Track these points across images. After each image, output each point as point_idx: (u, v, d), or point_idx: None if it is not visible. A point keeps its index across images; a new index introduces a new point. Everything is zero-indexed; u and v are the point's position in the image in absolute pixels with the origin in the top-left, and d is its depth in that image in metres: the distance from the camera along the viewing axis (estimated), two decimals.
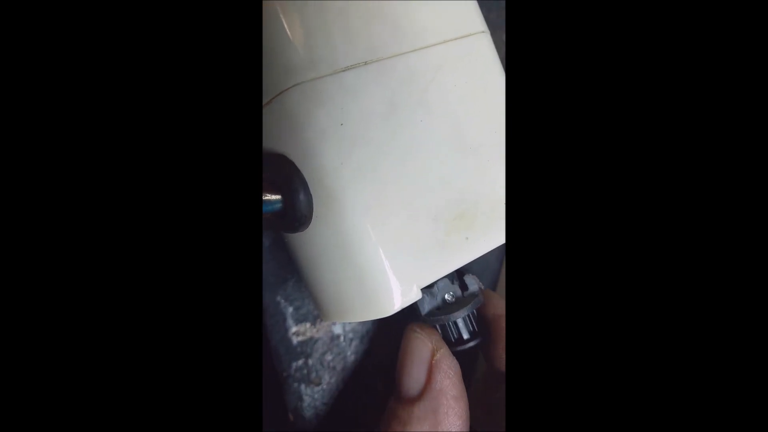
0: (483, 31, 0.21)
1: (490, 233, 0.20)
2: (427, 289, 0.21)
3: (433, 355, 0.20)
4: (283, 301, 0.28)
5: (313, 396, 0.28)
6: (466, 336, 0.22)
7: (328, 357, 0.29)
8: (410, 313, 0.22)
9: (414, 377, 0.20)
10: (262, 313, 0.27)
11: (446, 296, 0.22)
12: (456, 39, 0.20)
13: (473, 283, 0.22)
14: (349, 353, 0.29)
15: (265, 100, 0.19)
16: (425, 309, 0.22)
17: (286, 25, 0.18)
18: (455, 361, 0.21)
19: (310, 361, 0.28)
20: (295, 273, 0.28)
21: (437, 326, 0.22)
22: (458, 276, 0.22)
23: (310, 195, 0.19)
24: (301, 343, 0.28)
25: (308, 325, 0.28)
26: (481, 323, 0.23)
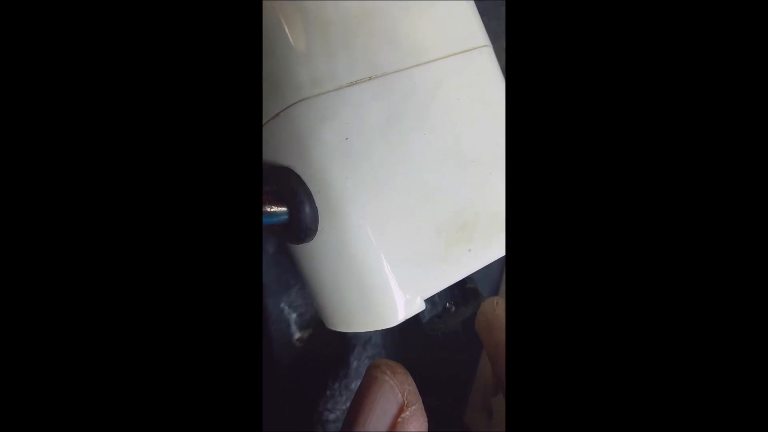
0: (485, 45, 0.21)
1: (493, 245, 0.20)
2: (429, 299, 0.22)
3: (401, 411, 0.16)
4: (286, 307, 0.28)
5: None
6: None
7: (332, 363, 0.29)
8: (412, 323, 0.22)
9: (371, 430, 0.16)
10: (265, 320, 0.28)
11: (447, 305, 0.22)
12: (458, 53, 0.20)
13: (474, 293, 0.23)
14: (352, 359, 0.29)
15: (271, 115, 0.19)
16: (426, 317, 0.22)
17: (292, 41, 0.18)
18: (426, 421, 0.17)
19: (314, 368, 0.29)
20: (298, 280, 0.28)
21: (439, 334, 0.23)
22: (460, 285, 0.23)
23: (316, 207, 0.19)
24: (305, 350, 0.28)
25: (311, 331, 0.28)
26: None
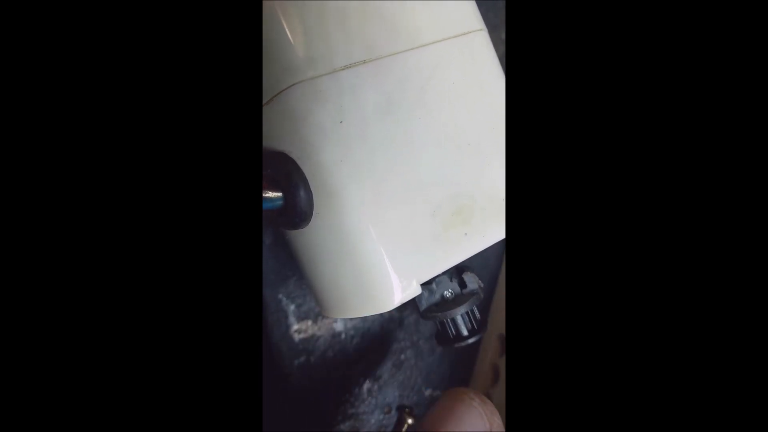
0: (480, 29, 0.21)
1: (489, 229, 0.20)
2: (426, 286, 0.22)
3: None
4: (284, 298, 0.28)
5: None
6: (464, 333, 0.22)
7: (330, 354, 0.29)
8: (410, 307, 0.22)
9: None
10: (263, 310, 0.27)
11: (445, 293, 0.22)
12: (453, 37, 0.20)
13: (472, 281, 0.22)
14: (350, 350, 0.29)
15: (265, 99, 0.19)
16: (424, 305, 0.22)
17: (285, 25, 0.18)
18: None
19: (312, 359, 0.29)
20: (296, 271, 0.28)
21: (437, 322, 0.22)
22: (457, 273, 0.22)
23: (311, 192, 0.19)
24: (303, 341, 0.28)
25: (309, 322, 0.28)
26: (479, 320, 0.23)
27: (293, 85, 0.18)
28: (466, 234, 0.20)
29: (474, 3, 0.22)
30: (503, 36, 0.33)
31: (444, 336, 0.23)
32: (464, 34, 0.20)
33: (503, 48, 0.32)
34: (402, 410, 0.27)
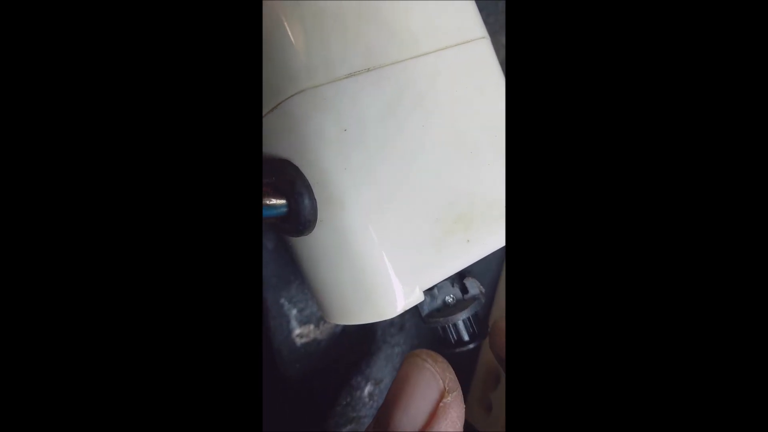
0: (482, 37, 0.21)
1: (491, 236, 0.20)
2: (428, 292, 0.22)
3: (442, 397, 0.17)
4: (286, 303, 0.28)
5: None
6: (465, 338, 0.22)
7: (331, 358, 0.29)
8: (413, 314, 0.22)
9: (411, 415, 0.16)
10: (264, 315, 0.28)
11: (447, 298, 0.23)
12: (454, 46, 0.20)
13: (474, 286, 0.23)
14: (351, 354, 0.29)
15: (269, 108, 0.19)
16: (425, 311, 0.22)
17: (290, 35, 0.18)
18: (464, 409, 0.17)
19: (314, 363, 0.29)
20: (298, 275, 0.28)
21: (438, 328, 0.23)
22: (459, 279, 0.23)
23: (315, 199, 0.19)
24: (305, 345, 0.28)
25: (312, 326, 0.29)
26: (480, 325, 0.23)
27: (296, 94, 0.18)
28: (468, 241, 0.20)
29: (477, 12, 0.22)
30: (503, 41, 0.33)
31: (445, 341, 0.23)
32: (466, 42, 0.21)
33: (503, 52, 0.33)
34: None
